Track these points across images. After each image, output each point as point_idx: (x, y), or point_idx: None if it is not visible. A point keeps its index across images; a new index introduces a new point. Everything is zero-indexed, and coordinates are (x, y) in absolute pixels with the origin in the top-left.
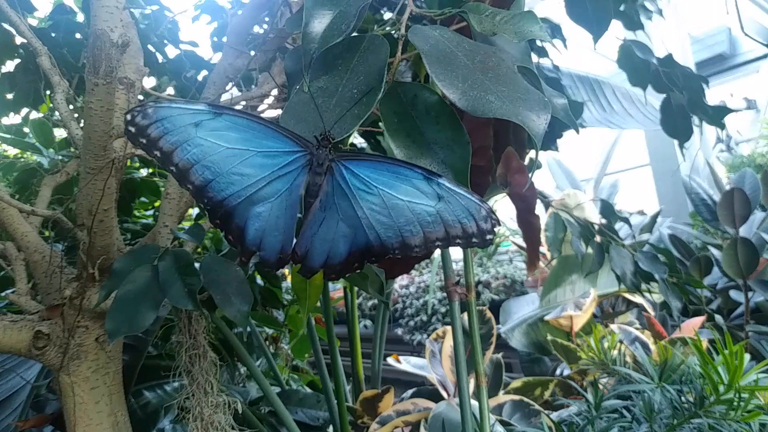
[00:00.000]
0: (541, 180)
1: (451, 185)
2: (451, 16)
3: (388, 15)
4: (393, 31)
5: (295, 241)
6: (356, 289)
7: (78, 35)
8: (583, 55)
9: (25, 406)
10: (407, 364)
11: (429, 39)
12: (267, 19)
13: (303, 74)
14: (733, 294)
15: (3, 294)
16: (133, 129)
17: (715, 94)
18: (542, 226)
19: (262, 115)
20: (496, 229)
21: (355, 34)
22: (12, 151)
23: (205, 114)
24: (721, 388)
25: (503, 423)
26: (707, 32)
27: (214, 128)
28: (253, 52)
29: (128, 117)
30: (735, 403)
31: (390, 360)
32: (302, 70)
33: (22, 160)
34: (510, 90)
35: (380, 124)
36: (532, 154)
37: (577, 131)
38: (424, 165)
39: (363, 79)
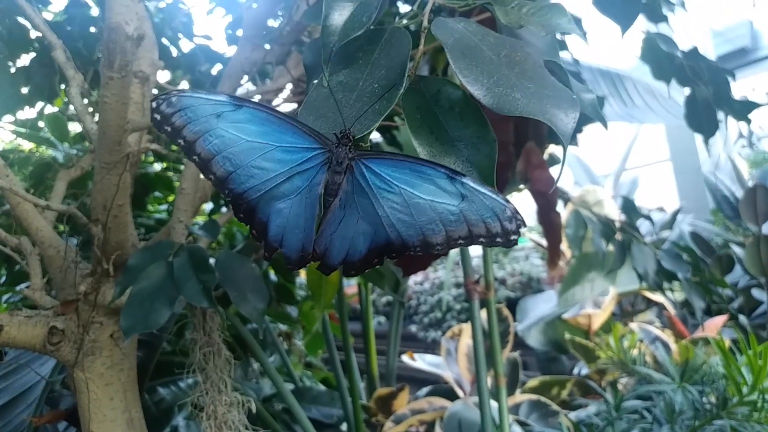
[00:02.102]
0: (556, 177)
1: (475, 185)
2: (473, 7)
3: (405, 8)
4: (412, 25)
5: (314, 238)
6: (370, 285)
7: (93, 29)
8: (602, 49)
9: (40, 402)
10: (422, 361)
11: (453, 32)
12: (281, 12)
13: (322, 68)
14: (755, 292)
15: (18, 289)
16: (158, 116)
17: (736, 88)
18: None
19: (277, 109)
20: (521, 230)
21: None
22: (27, 146)
23: (226, 105)
24: (745, 389)
25: (520, 423)
26: (728, 25)
27: (234, 120)
28: (268, 46)
29: (153, 104)
30: (759, 405)
31: (404, 357)
32: (322, 64)
33: (37, 154)
34: (537, 86)
35: (396, 118)
36: (551, 148)
37: (606, 127)
38: (448, 163)
39: (384, 73)
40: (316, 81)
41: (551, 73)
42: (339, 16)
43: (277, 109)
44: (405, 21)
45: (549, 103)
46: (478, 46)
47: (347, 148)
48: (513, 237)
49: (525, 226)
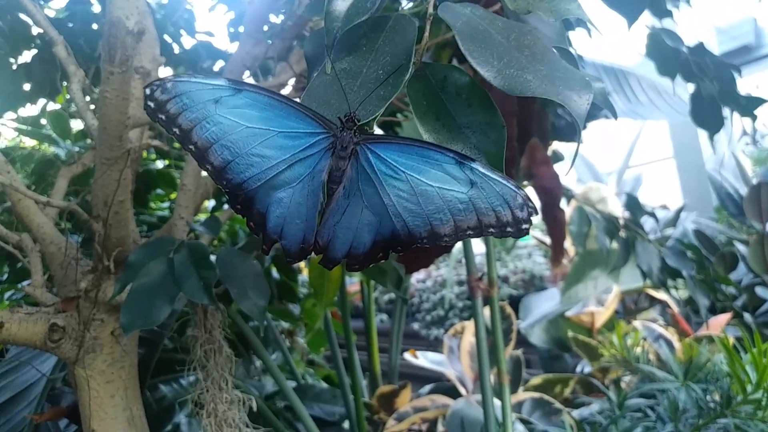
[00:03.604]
0: (562, 171)
1: (485, 170)
2: None
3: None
4: (415, 12)
5: (316, 229)
6: (373, 282)
7: (95, 26)
8: (605, 45)
9: (41, 399)
10: (424, 359)
11: (461, 16)
12: (283, 7)
13: (326, 55)
14: (759, 290)
15: (19, 286)
16: (152, 104)
17: (740, 85)
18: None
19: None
20: (532, 218)
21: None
22: (29, 143)
23: (225, 90)
24: (749, 388)
25: (523, 421)
26: (732, 23)
27: (234, 105)
28: (270, 41)
29: (147, 91)
30: (763, 403)
31: (407, 355)
32: (324, 52)
33: (39, 151)
34: (548, 69)
35: (398, 115)
36: (555, 145)
37: (616, 117)
38: (456, 150)
39: (389, 60)
40: (318, 70)
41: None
42: (343, 2)
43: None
44: (408, 9)
45: (561, 85)
46: (486, 30)
47: (352, 132)
48: (524, 226)
49: (537, 213)
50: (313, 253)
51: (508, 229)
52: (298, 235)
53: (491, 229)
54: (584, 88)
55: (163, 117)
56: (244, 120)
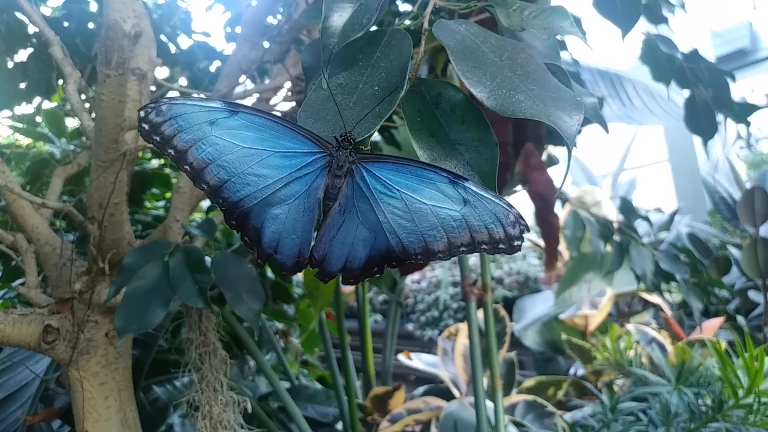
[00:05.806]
0: (556, 176)
1: (477, 189)
2: (473, 9)
3: (404, 7)
4: (412, 26)
5: (312, 244)
6: (367, 283)
7: (91, 25)
8: (601, 49)
9: (34, 400)
10: (418, 361)
11: (455, 34)
12: (282, 9)
13: (322, 71)
14: (752, 294)
15: (13, 285)
16: (146, 126)
17: (735, 89)
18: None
19: (275, 107)
20: (524, 235)
21: (374, 28)
22: (24, 141)
23: (221, 112)
24: (741, 392)
25: (516, 424)
26: (728, 27)
27: (230, 127)
28: (267, 44)
29: (142, 114)
30: (755, 408)
31: (401, 357)
32: (321, 67)
33: (35, 150)
34: (540, 89)
35: (395, 117)
36: (550, 149)
37: (607, 131)
38: (449, 167)
39: (385, 76)
40: (314, 83)
41: (553, 75)
42: (339, 18)
43: (275, 112)
44: (405, 22)
45: (553, 106)
46: (480, 48)
47: (347, 151)
48: (516, 243)
49: (528, 231)
50: (309, 266)
51: (501, 246)
52: (293, 250)
53: (484, 246)
54: (575, 108)
55: (158, 139)
56: (240, 141)
